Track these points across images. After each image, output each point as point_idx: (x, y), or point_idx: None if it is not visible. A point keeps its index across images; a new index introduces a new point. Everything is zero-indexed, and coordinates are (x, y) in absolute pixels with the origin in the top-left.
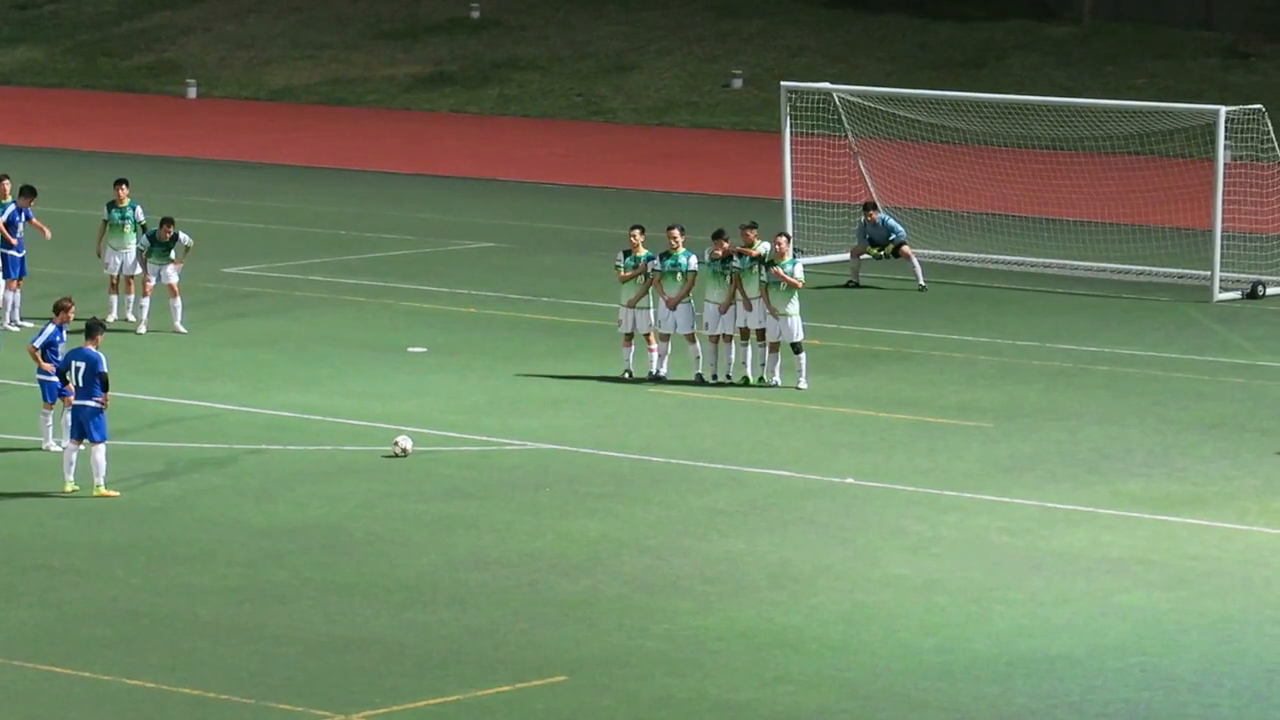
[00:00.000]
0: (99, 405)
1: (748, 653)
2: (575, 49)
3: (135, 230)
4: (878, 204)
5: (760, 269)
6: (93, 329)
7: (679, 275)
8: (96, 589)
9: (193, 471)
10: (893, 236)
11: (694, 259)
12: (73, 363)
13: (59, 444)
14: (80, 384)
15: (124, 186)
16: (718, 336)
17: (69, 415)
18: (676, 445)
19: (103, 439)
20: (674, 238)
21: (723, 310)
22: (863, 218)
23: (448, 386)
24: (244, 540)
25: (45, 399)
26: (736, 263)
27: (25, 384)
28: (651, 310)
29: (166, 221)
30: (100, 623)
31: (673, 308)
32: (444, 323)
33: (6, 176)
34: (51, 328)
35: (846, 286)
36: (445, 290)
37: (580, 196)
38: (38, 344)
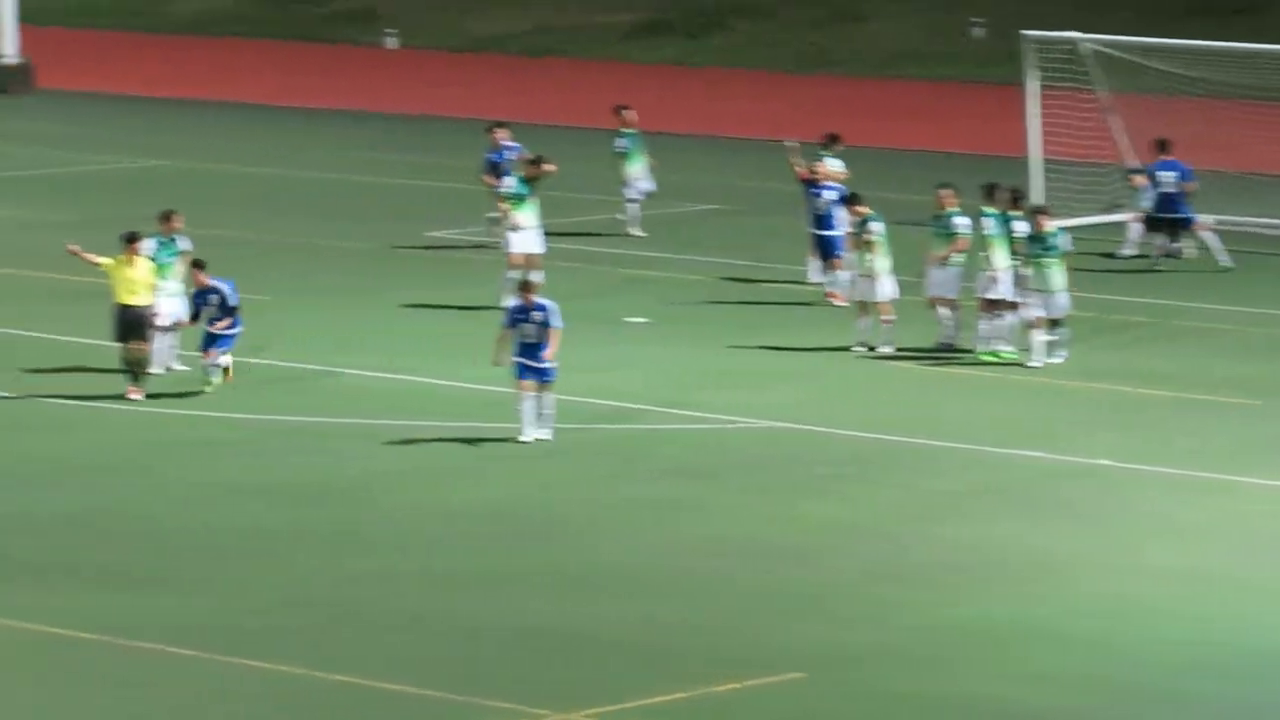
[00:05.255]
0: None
1: (995, 647)
2: None
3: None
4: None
5: (1023, 239)
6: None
7: (948, 235)
8: (283, 576)
9: (388, 450)
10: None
11: (961, 219)
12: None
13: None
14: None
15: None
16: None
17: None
18: (916, 423)
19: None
20: (944, 196)
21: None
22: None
23: (668, 359)
24: (445, 524)
25: (520, 377)
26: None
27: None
28: (885, 278)
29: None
30: (291, 613)
31: (939, 267)
32: (664, 290)
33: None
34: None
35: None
36: (665, 255)
37: (809, 155)
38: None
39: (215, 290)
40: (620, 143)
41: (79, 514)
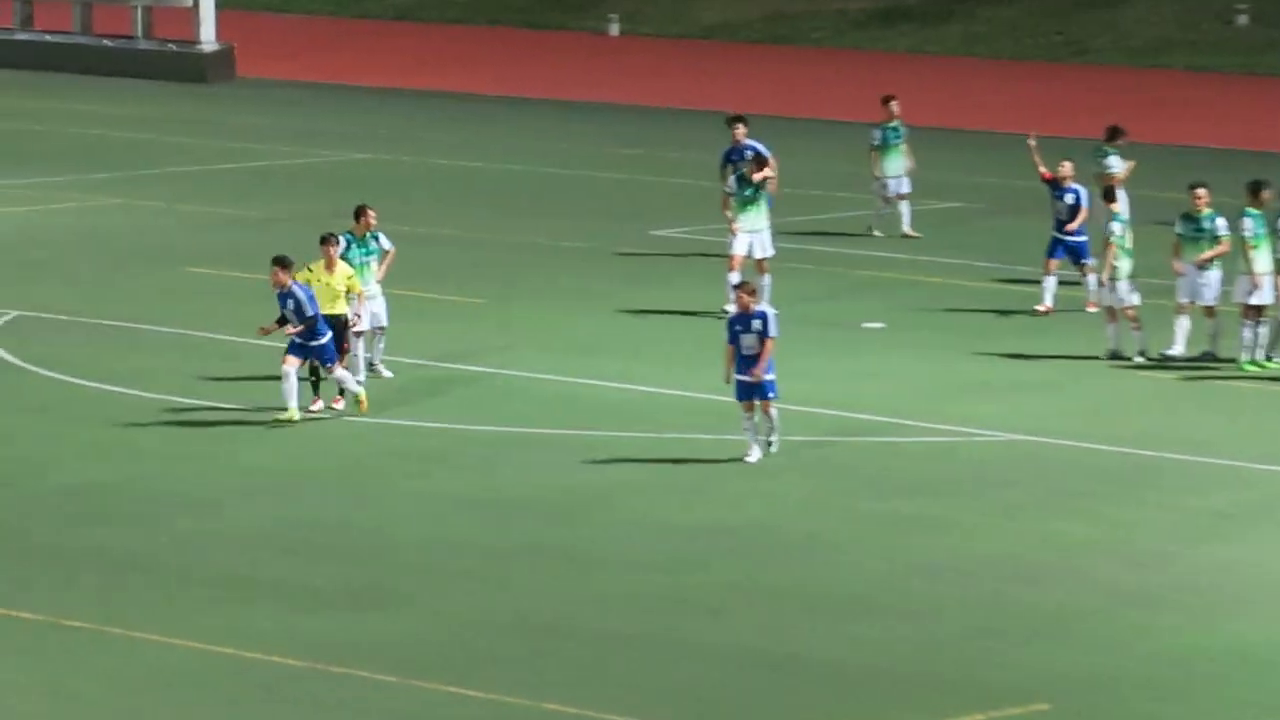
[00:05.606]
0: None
1: (1249, 676)
2: None
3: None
4: None
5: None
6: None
7: (1204, 240)
8: (496, 596)
9: (610, 464)
10: None
11: (1221, 221)
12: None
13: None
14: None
15: None
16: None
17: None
18: (1169, 437)
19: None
20: (1198, 197)
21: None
22: None
23: (906, 367)
24: (667, 542)
25: (739, 397)
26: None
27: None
28: (1124, 283)
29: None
30: (505, 636)
31: (1197, 270)
32: (903, 294)
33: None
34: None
35: None
36: (905, 257)
37: (1059, 150)
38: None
39: (292, 295)
40: (876, 134)
41: (278, 529)
